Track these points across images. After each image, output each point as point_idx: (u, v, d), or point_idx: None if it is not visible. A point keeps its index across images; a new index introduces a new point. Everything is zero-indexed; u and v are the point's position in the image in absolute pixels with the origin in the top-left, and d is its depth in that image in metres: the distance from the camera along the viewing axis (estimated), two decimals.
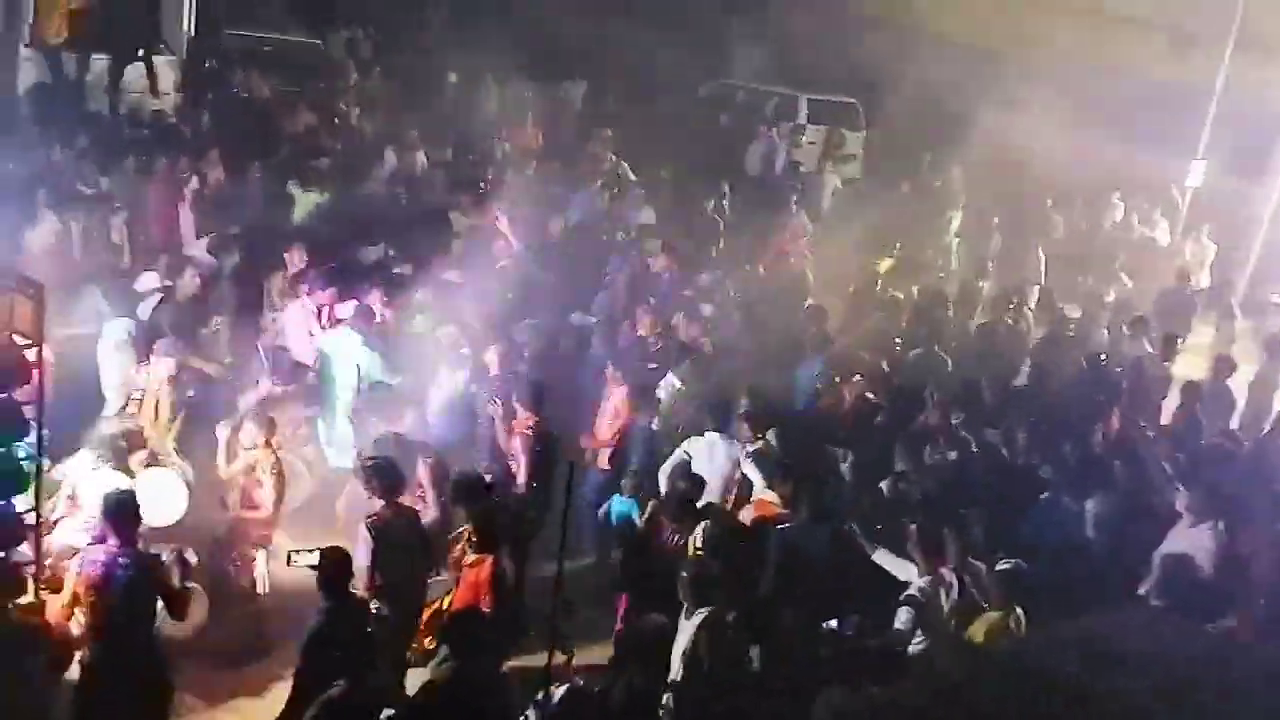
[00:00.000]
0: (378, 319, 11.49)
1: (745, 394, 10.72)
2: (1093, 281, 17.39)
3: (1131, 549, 9.41)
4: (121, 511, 7.40)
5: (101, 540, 7.45)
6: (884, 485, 9.85)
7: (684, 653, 7.61)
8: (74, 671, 7.48)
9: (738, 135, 22.20)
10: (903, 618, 8.15)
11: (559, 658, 7.63)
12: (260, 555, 9.42)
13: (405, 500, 8.81)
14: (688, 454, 10.16)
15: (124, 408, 9.87)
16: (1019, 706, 5.32)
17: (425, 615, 8.68)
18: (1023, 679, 5.46)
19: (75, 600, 7.34)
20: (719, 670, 7.50)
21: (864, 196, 19.33)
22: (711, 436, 10.23)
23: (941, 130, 20.59)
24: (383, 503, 8.42)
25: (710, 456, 10.15)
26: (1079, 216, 20.35)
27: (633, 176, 18.01)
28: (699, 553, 8.63)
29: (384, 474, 8.50)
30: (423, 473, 9.34)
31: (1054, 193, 20.03)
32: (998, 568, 8.25)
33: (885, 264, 16.34)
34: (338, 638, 7.24)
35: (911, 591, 8.26)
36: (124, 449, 8.82)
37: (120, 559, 7.27)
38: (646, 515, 9.33)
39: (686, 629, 7.71)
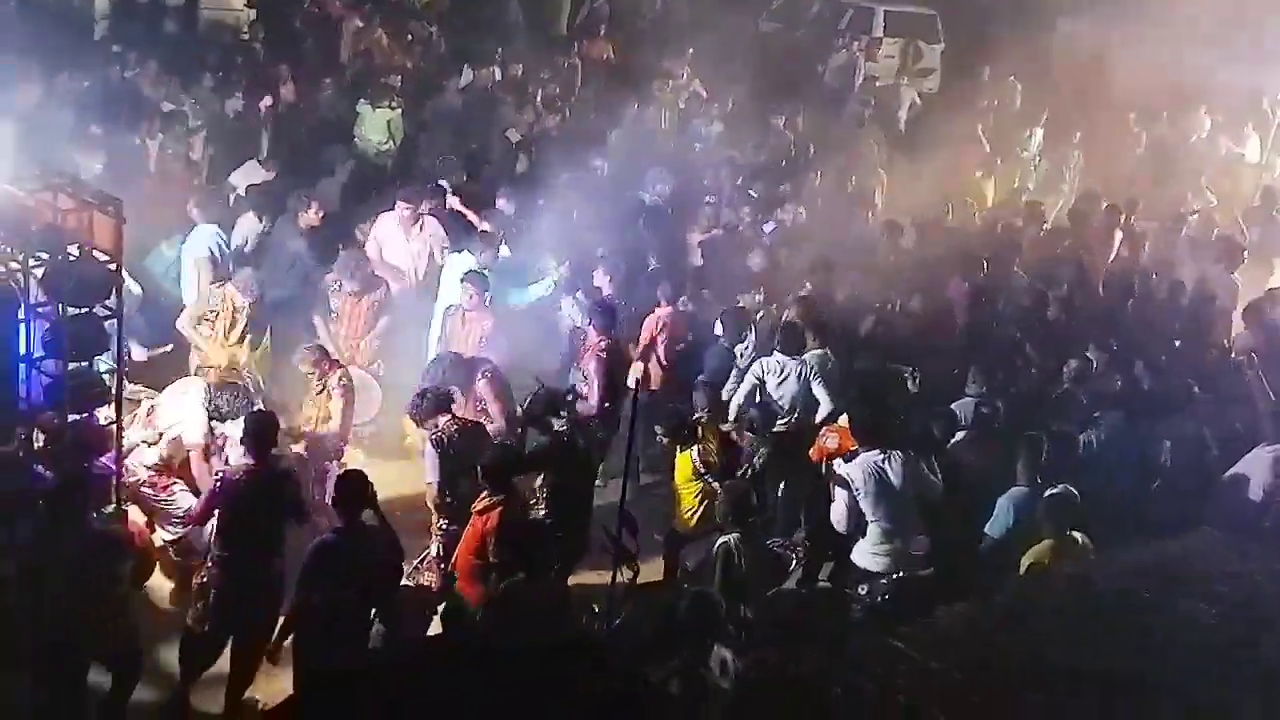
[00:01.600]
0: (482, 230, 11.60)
1: (802, 310, 10.62)
2: (1175, 198, 16.93)
3: (1207, 473, 9.30)
4: (258, 432, 7.77)
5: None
6: (957, 407, 9.72)
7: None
8: (205, 580, 7.77)
9: (813, 50, 21.81)
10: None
11: (624, 574, 7.81)
12: (334, 468, 9.48)
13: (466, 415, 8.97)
14: (759, 378, 10.06)
15: (198, 322, 10.00)
16: (1087, 630, 5.30)
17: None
18: (1091, 602, 5.39)
19: (207, 514, 7.79)
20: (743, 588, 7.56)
21: (942, 111, 18.92)
22: (782, 358, 10.09)
23: (1021, 42, 20.04)
24: (446, 417, 8.54)
25: (780, 378, 10.04)
26: (1163, 131, 19.78)
27: (703, 92, 17.81)
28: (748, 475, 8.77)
29: (425, 399, 8.65)
30: (482, 387, 9.43)
31: (1137, 107, 19.47)
32: (1047, 494, 8.26)
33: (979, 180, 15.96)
34: (339, 562, 7.28)
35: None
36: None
37: (258, 476, 7.66)
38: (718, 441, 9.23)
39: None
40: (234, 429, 8.53)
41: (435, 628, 7.74)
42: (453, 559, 8.16)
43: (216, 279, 10.39)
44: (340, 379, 9.42)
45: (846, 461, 8.56)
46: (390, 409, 10.15)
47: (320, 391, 9.43)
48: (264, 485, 7.66)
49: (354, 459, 9.85)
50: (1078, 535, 8.06)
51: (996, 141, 17.70)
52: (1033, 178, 17.74)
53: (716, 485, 8.76)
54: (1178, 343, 11.74)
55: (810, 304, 10.78)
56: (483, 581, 7.72)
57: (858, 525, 8.50)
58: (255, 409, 8.38)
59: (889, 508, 8.41)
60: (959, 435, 9.30)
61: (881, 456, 8.45)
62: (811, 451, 9.01)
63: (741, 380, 10.12)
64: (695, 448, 8.99)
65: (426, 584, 8.49)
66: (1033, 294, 12.02)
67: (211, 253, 10.68)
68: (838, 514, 8.54)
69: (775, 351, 10.10)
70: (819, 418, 9.81)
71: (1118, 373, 10.51)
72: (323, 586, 7.25)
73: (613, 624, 7.36)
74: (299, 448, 9.37)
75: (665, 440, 9.28)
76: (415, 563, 8.46)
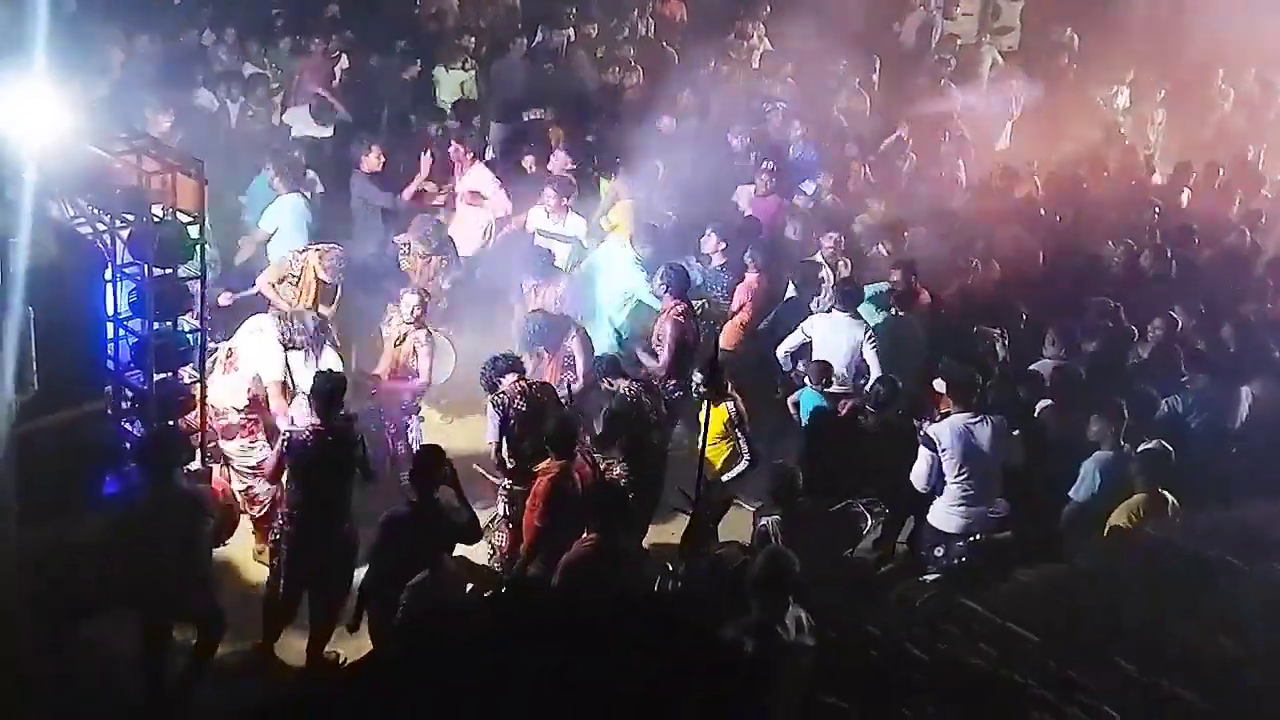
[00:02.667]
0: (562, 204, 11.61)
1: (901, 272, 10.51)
2: (1264, 157, 16.53)
3: None
4: (327, 393, 7.89)
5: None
6: (1038, 367, 9.65)
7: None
8: (278, 537, 7.93)
9: (889, 7, 21.41)
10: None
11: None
12: (414, 421, 9.82)
13: (550, 375, 9.17)
14: (807, 335, 10.04)
15: (279, 281, 10.12)
16: (1169, 589, 5.23)
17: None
18: (1173, 562, 5.35)
19: (279, 472, 7.89)
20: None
21: (1022, 69, 18.56)
22: (837, 316, 10.01)
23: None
24: (512, 377, 8.67)
25: (831, 336, 9.95)
26: (1252, 88, 19.24)
27: (770, 46, 17.60)
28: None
29: (495, 365, 8.76)
30: (575, 345, 9.63)
31: (1225, 63, 18.95)
32: (1140, 449, 8.21)
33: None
34: (406, 536, 7.30)
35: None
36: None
37: (325, 435, 7.77)
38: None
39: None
40: (306, 368, 8.66)
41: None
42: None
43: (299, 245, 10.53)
44: (427, 335, 9.61)
45: (934, 422, 8.57)
46: (461, 374, 10.26)
47: (401, 342, 9.58)
48: (330, 446, 7.77)
49: (430, 420, 10.04)
50: (1167, 494, 7.99)
51: (1078, 102, 17.33)
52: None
53: (745, 445, 8.84)
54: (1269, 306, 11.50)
55: (908, 267, 10.63)
56: (547, 543, 7.77)
57: (935, 486, 8.48)
58: (322, 369, 8.46)
59: (973, 470, 8.40)
60: (1043, 401, 9.22)
61: (974, 419, 8.44)
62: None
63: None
64: (729, 403, 8.87)
65: (499, 544, 8.63)
66: (1125, 253, 11.88)
67: (302, 223, 10.88)
68: (919, 472, 8.53)
69: (833, 309, 10.08)
70: (869, 383, 9.64)
71: (1202, 335, 10.36)
72: (391, 561, 7.29)
73: (683, 583, 7.44)
74: (373, 402, 9.55)
75: (699, 394, 8.90)
76: (486, 523, 8.52)
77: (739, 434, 8.94)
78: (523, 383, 8.77)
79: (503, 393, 8.68)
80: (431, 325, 9.85)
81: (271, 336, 8.81)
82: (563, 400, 9.06)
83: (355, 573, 7.78)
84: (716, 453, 8.91)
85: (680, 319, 9.97)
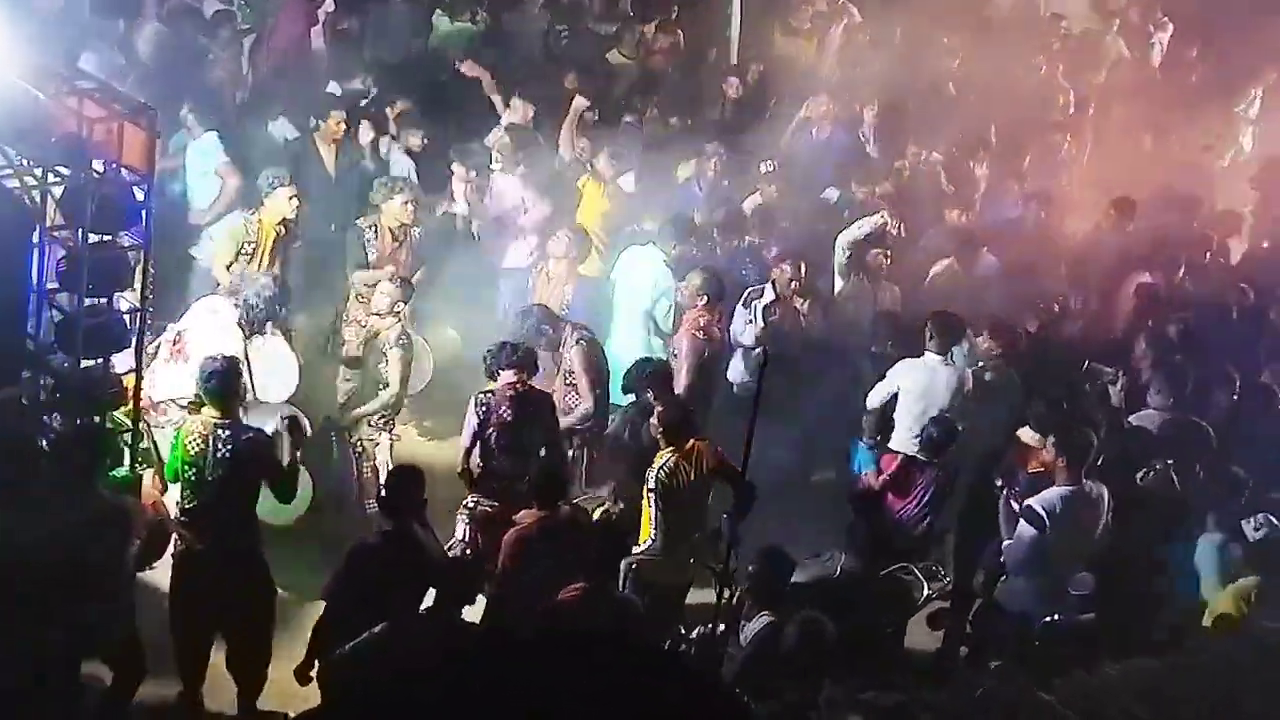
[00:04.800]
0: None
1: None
2: None
3: None
4: (220, 381, 7.67)
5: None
6: (1143, 420, 9.62)
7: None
8: (168, 560, 7.83)
9: None
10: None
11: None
12: (384, 440, 9.70)
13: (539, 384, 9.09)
14: (895, 385, 9.60)
15: (231, 263, 10.06)
16: None
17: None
18: None
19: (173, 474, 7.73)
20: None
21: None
22: (931, 360, 9.65)
23: None
24: (510, 376, 8.62)
25: (928, 387, 9.57)
26: None
27: (859, 17, 17.50)
28: None
29: (503, 351, 8.71)
30: (576, 358, 9.51)
31: None
32: (1256, 529, 8.27)
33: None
34: (374, 573, 7.23)
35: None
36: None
37: (219, 431, 7.55)
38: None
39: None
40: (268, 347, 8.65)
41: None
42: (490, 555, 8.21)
43: (244, 203, 10.53)
44: (400, 337, 9.49)
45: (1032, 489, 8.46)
46: (439, 382, 10.30)
47: (368, 343, 9.57)
48: (226, 445, 7.58)
49: (407, 438, 10.12)
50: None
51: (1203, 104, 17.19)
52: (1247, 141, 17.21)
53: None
54: None
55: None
56: (515, 593, 7.74)
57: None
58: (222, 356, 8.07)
59: (1068, 546, 8.36)
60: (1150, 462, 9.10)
61: (1085, 489, 8.36)
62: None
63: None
64: (664, 459, 8.38)
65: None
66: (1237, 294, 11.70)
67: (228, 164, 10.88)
68: (1015, 555, 8.44)
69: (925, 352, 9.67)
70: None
71: None
72: (352, 601, 7.23)
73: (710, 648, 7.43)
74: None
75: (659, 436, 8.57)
76: (445, 546, 8.45)
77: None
78: (517, 387, 8.73)
79: (490, 391, 8.68)
80: (408, 322, 9.79)
81: (228, 318, 8.78)
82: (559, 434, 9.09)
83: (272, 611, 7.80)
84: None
85: (698, 333, 9.89)
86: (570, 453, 9.54)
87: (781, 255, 10.96)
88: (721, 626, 7.31)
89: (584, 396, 9.52)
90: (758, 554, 7.66)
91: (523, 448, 8.64)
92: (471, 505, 8.70)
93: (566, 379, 9.61)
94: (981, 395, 9.74)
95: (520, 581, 7.72)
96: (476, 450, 8.69)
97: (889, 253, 11.11)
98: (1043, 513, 8.26)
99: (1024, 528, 8.34)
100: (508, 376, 8.72)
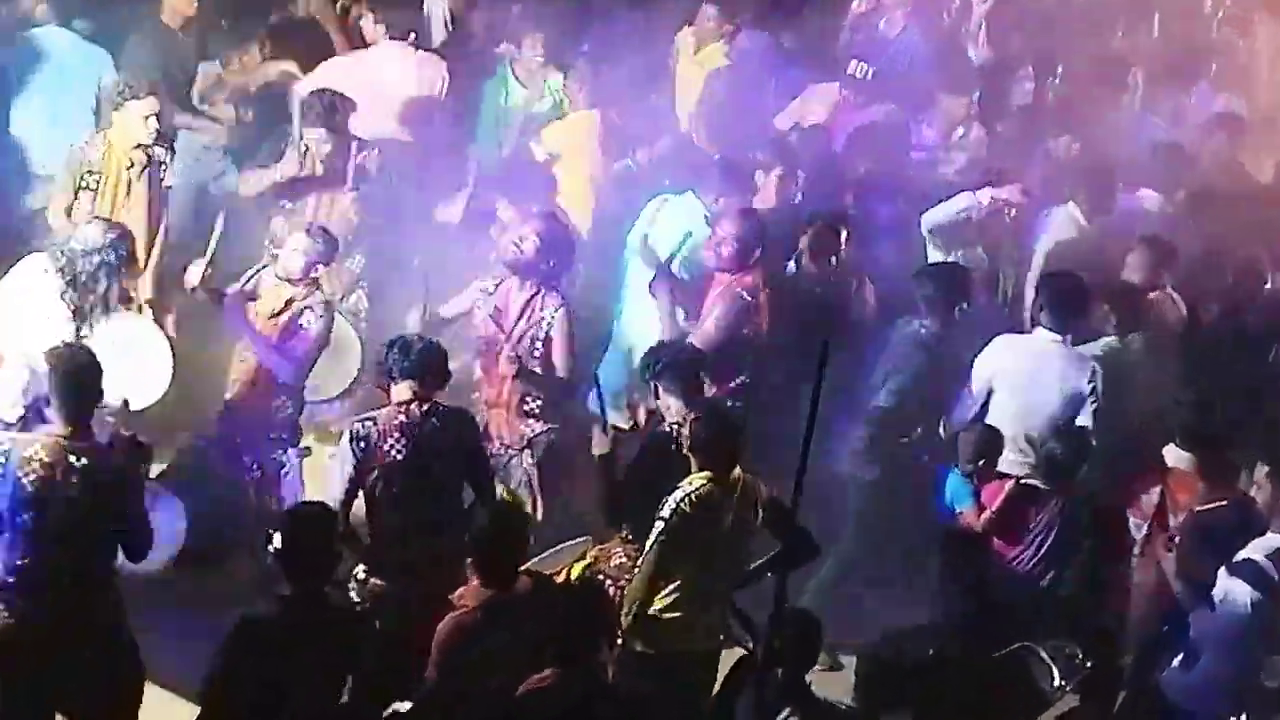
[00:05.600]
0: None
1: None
2: None
3: None
4: (71, 381, 6.47)
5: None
6: None
7: None
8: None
9: None
10: None
11: None
12: (290, 459, 8.53)
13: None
14: (988, 376, 8.18)
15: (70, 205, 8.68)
16: None
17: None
18: None
19: None
20: None
21: None
22: (1043, 338, 8.18)
23: None
24: (409, 388, 7.16)
25: (1033, 375, 8.14)
26: None
27: None
28: None
29: (393, 352, 7.25)
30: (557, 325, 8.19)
31: None
32: None
33: None
34: (269, 654, 6.11)
35: None
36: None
37: (68, 456, 6.32)
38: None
39: None
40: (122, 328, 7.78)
41: None
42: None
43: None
44: (321, 308, 8.20)
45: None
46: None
47: (276, 315, 8.14)
48: (92, 477, 6.36)
49: (318, 456, 8.67)
50: None
51: None
52: None
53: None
54: None
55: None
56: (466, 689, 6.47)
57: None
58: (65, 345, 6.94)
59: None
60: None
61: None
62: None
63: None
64: (695, 484, 7.02)
65: None
66: None
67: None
68: (1216, 626, 7.08)
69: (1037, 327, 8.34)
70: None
71: None
72: (245, 689, 6.10)
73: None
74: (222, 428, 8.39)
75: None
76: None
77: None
78: (416, 406, 7.10)
79: (369, 419, 7.11)
80: (332, 294, 8.56)
81: (50, 289, 7.71)
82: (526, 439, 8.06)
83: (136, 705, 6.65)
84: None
85: (740, 291, 8.37)
86: (520, 477, 8.22)
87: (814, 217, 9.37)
88: None
89: (560, 366, 8.11)
90: (789, 616, 6.33)
91: (432, 497, 7.11)
92: (362, 578, 7.11)
93: (531, 349, 8.16)
94: (1117, 394, 8.31)
95: (460, 681, 6.40)
96: (358, 505, 7.14)
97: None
98: (1272, 569, 6.97)
99: (1236, 590, 6.97)
100: (401, 393, 7.18)
